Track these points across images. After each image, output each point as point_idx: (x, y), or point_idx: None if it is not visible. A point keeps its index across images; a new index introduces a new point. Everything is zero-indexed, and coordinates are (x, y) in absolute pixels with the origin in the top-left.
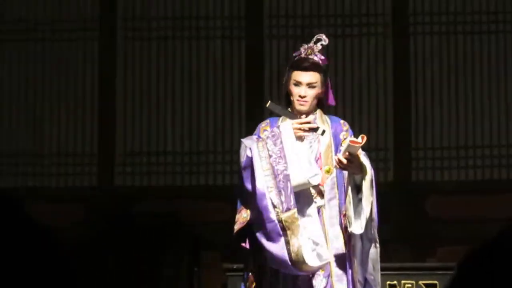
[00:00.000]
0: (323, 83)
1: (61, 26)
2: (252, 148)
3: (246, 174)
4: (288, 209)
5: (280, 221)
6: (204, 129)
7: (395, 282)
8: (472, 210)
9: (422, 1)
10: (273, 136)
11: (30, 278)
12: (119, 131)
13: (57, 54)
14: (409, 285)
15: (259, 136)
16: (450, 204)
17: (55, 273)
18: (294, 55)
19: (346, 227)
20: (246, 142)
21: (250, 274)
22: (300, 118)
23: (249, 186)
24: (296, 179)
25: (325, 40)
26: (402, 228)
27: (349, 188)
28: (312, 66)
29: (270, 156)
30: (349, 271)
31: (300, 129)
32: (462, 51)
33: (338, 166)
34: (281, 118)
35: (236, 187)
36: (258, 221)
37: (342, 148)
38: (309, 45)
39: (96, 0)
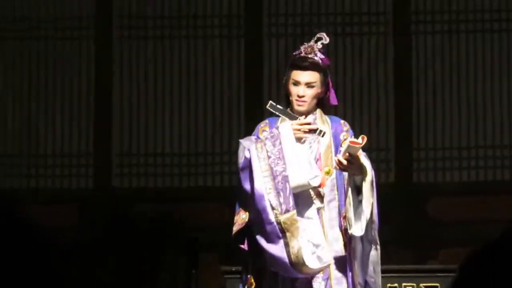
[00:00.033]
0: (322, 83)
1: (56, 25)
2: (251, 149)
3: (244, 175)
4: (287, 211)
5: (279, 223)
6: (202, 129)
7: (396, 284)
8: (474, 212)
9: (424, 0)
10: (272, 137)
11: (18, 280)
12: (116, 131)
13: (53, 53)
14: None
15: (258, 137)
16: (452, 206)
17: (44, 275)
18: (294, 54)
19: (346, 229)
20: (245, 143)
21: (249, 276)
22: (299, 119)
23: (247, 187)
24: (296, 181)
25: (325, 39)
26: (403, 230)
27: (349, 189)
28: (311, 66)
29: (269, 157)
30: (349, 274)
31: (299, 130)
32: (464, 50)
33: (338, 167)
34: (280, 119)
35: (234, 188)
36: (258, 222)
37: (342, 148)
38: (309, 44)
39: None
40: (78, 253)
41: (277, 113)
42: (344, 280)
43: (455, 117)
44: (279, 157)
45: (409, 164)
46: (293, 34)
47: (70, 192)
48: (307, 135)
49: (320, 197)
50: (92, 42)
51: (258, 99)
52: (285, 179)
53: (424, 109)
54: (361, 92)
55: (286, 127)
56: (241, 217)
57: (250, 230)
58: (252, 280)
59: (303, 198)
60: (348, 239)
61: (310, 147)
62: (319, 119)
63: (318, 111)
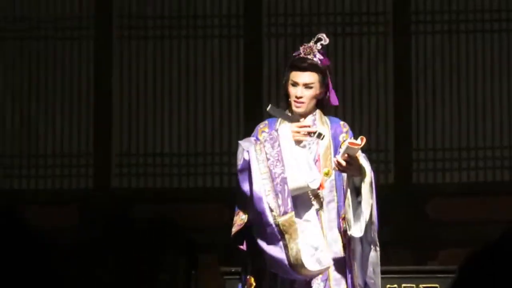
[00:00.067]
0: (321, 84)
1: (56, 25)
2: (250, 151)
3: (243, 177)
4: (285, 213)
5: (277, 224)
6: (202, 130)
7: (395, 285)
8: (473, 213)
9: (424, 0)
10: (271, 139)
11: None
12: (116, 131)
13: (52, 53)
14: None
15: (257, 138)
16: (452, 206)
17: (43, 275)
18: (293, 55)
19: (345, 231)
20: (244, 144)
21: (248, 276)
22: (299, 121)
23: (246, 189)
24: (295, 183)
25: (325, 40)
26: (403, 231)
27: (349, 190)
28: (309, 66)
29: (268, 159)
30: (349, 275)
31: (298, 132)
32: (464, 50)
33: (337, 168)
34: (279, 120)
35: (233, 189)
36: (257, 224)
37: (341, 150)
38: (308, 45)
39: None
40: (77, 253)
41: (276, 115)
42: (343, 281)
43: (455, 117)
44: (278, 159)
45: (408, 165)
46: (293, 34)
47: (70, 192)
48: (306, 137)
49: (319, 198)
50: (92, 42)
51: (257, 99)
52: (284, 181)
53: (424, 109)
54: (361, 93)
55: (285, 129)
56: (240, 218)
57: (249, 231)
58: (252, 281)
59: (301, 200)
60: (347, 241)
61: (309, 148)
62: (319, 120)
63: (318, 112)
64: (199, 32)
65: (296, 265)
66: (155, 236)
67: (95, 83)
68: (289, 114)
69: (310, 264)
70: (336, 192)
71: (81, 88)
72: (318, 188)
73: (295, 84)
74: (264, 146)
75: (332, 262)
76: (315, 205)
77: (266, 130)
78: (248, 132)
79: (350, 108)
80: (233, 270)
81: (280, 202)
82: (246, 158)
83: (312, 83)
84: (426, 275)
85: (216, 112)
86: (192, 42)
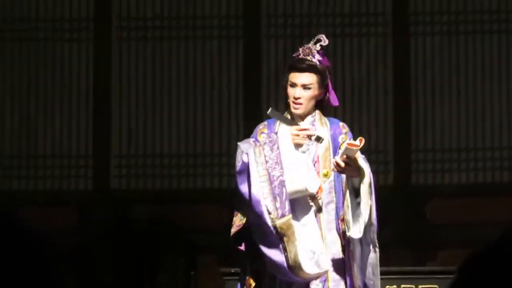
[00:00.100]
0: (320, 85)
1: (55, 26)
2: (249, 153)
3: (241, 179)
4: (283, 216)
5: (275, 227)
6: (201, 130)
7: (394, 286)
8: (473, 214)
9: (423, 1)
10: (270, 141)
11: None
12: (115, 132)
13: (52, 54)
14: None
15: (256, 139)
16: (451, 207)
17: (41, 278)
18: (293, 56)
19: (344, 232)
20: (243, 146)
21: (247, 277)
22: (298, 125)
23: (244, 191)
24: (294, 186)
25: (324, 41)
26: (402, 232)
27: (347, 191)
28: (308, 67)
29: (267, 162)
30: (348, 277)
31: (298, 135)
32: (463, 51)
33: (335, 169)
34: (278, 121)
35: (233, 189)
36: (256, 226)
37: (340, 151)
38: (307, 45)
39: None
40: (77, 254)
41: (277, 119)
42: (342, 283)
43: (454, 118)
44: (276, 162)
45: (408, 166)
46: (292, 35)
47: (69, 194)
48: (305, 140)
49: (317, 202)
50: (91, 43)
51: (256, 100)
52: (282, 184)
53: (423, 110)
54: (360, 93)
55: (285, 132)
56: (239, 219)
57: (248, 231)
58: (251, 282)
59: (300, 203)
60: (346, 242)
61: (308, 149)
62: (318, 121)
63: (317, 112)
64: (198, 33)
65: (294, 268)
66: (155, 237)
67: (94, 84)
68: (289, 117)
69: (308, 267)
70: (335, 193)
71: (81, 89)
72: (317, 192)
73: (293, 85)
74: (263, 149)
75: (331, 266)
76: (314, 208)
77: (265, 131)
78: (247, 133)
79: (350, 109)
80: (232, 271)
81: (278, 205)
82: (245, 160)
83: (310, 84)
84: (426, 275)
85: (215, 113)
86: (191, 43)
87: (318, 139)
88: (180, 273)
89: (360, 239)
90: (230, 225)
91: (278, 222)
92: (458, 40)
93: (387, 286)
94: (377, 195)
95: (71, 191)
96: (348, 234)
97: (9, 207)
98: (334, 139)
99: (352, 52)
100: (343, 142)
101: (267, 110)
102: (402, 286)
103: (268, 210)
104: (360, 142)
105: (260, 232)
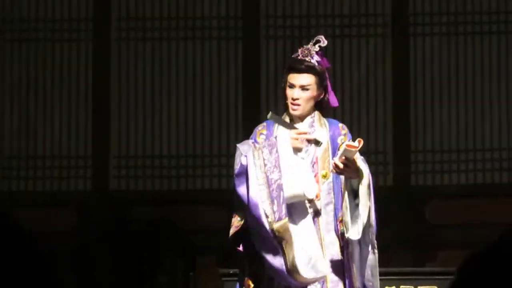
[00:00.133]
0: (319, 85)
1: (54, 27)
2: (248, 156)
3: (240, 181)
4: (280, 219)
5: (272, 230)
6: (200, 131)
7: (394, 287)
8: (472, 214)
9: (422, 2)
10: (269, 145)
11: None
12: (114, 133)
13: (51, 55)
14: None
15: (255, 140)
16: (450, 208)
17: (40, 280)
18: (292, 57)
19: (342, 233)
20: (242, 148)
21: (246, 278)
22: (297, 128)
23: (242, 193)
24: (292, 191)
25: (323, 42)
26: (401, 233)
27: (346, 193)
28: (306, 68)
29: (265, 165)
30: (347, 278)
31: (297, 139)
32: (462, 52)
33: (334, 171)
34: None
35: (232, 190)
36: (255, 229)
37: (339, 152)
38: (306, 46)
39: (90, 0)
40: (76, 255)
41: (277, 123)
42: (340, 284)
43: (454, 119)
44: (275, 165)
45: (407, 167)
46: (291, 36)
47: (68, 194)
48: (304, 144)
49: (315, 206)
50: (90, 43)
51: (256, 100)
52: (280, 187)
53: (422, 111)
54: (359, 94)
55: (284, 136)
56: (237, 220)
57: (246, 233)
58: (250, 283)
59: (297, 207)
60: (345, 243)
61: (307, 150)
62: (317, 122)
63: (316, 113)
64: (197, 33)
65: (292, 271)
66: (154, 237)
67: (93, 84)
68: (288, 118)
69: (305, 271)
70: (334, 194)
71: (80, 89)
72: (316, 197)
73: (291, 86)
74: (262, 152)
75: (329, 271)
76: (311, 212)
77: (264, 132)
78: (246, 133)
79: (349, 110)
80: (231, 272)
81: (275, 208)
82: (244, 163)
83: (308, 85)
84: (425, 276)
85: (215, 114)
86: (191, 43)
87: (317, 143)
88: (179, 274)
89: (359, 241)
90: (229, 226)
91: (275, 226)
92: (457, 41)
93: (387, 287)
94: (376, 196)
95: (70, 191)
96: (346, 235)
97: (8, 208)
98: (333, 140)
99: (352, 53)
100: (343, 143)
101: (267, 113)
102: (402, 286)
103: (266, 213)
104: (358, 143)
105: (259, 235)
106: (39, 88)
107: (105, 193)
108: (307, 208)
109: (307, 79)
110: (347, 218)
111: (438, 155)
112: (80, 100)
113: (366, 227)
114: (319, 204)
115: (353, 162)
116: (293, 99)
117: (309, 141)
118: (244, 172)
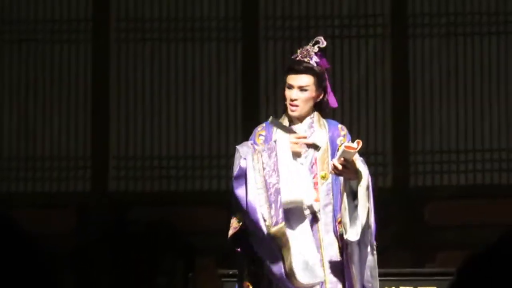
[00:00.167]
0: (318, 86)
1: (53, 28)
2: (247, 159)
3: (238, 183)
4: (277, 223)
5: (269, 233)
6: (199, 132)
7: None
8: (471, 215)
9: (421, 2)
10: (268, 148)
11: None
12: (113, 134)
13: (50, 56)
14: None
15: (254, 141)
16: (450, 209)
17: (39, 281)
18: (291, 58)
19: (341, 235)
20: (241, 150)
21: (245, 279)
22: (296, 133)
23: (240, 195)
24: (290, 196)
25: (323, 43)
26: (401, 233)
27: (345, 194)
28: (304, 69)
29: (264, 169)
30: (347, 279)
31: (296, 143)
32: (462, 53)
33: (333, 172)
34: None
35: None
36: (254, 231)
37: (338, 153)
38: (305, 47)
39: (89, 1)
40: (75, 257)
41: (278, 128)
42: (339, 285)
43: (453, 120)
44: (273, 169)
45: (406, 168)
46: (290, 37)
47: (67, 195)
48: (303, 149)
49: (312, 210)
50: (90, 44)
51: (255, 101)
52: (278, 191)
53: (422, 112)
54: (359, 95)
55: (283, 140)
56: (236, 221)
57: (245, 234)
58: (249, 284)
59: (294, 212)
60: (344, 244)
61: (306, 155)
62: (317, 123)
63: (316, 114)
64: (196, 35)
65: (290, 275)
66: (153, 239)
67: (92, 85)
68: (287, 119)
69: (302, 276)
70: (333, 195)
71: (79, 90)
72: (316, 200)
73: (290, 87)
74: (261, 156)
75: (327, 275)
76: (309, 217)
77: (264, 133)
78: (245, 134)
79: (348, 111)
80: (230, 273)
81: (273, 212)
82: (243, 165)
83: (307, 86)
84: (424, 277)
85: (214, 115)
86: (190, 45)
87: (316, 147)
88: (178, 275)
89: (358, 242)
90: (228, 227)
91: (273, 230)
92: (456, 41)
93: None
94: (375, 197)
95: (70, 193)
96: (345, 236)
97: (7, 209)
98: (332, 141)
99: (351, 54)
100: (341, 144)
101: (266, 114)
102: (401, 287)
103: (263, 217)
104: (357, 144)
105: (257, 239)
106: (39, 88)
107: (104, 194)
108: (304, 213)
109: (306, 80)
110: (346, 219)
111: (437, 156)
112: (80, 101)
113: (365, 228)
114: (317, 206)
115: (352, 163)
116: (292, 100)
117: (308, 145)
118: (243, 175)
